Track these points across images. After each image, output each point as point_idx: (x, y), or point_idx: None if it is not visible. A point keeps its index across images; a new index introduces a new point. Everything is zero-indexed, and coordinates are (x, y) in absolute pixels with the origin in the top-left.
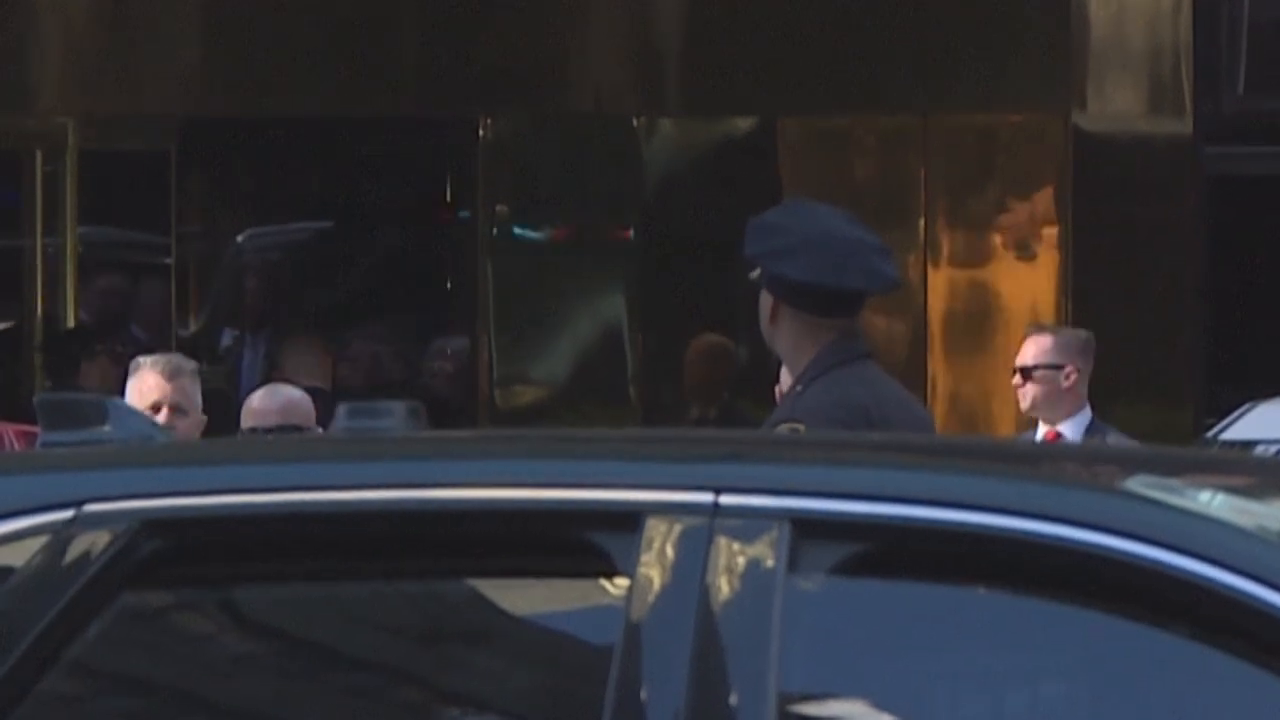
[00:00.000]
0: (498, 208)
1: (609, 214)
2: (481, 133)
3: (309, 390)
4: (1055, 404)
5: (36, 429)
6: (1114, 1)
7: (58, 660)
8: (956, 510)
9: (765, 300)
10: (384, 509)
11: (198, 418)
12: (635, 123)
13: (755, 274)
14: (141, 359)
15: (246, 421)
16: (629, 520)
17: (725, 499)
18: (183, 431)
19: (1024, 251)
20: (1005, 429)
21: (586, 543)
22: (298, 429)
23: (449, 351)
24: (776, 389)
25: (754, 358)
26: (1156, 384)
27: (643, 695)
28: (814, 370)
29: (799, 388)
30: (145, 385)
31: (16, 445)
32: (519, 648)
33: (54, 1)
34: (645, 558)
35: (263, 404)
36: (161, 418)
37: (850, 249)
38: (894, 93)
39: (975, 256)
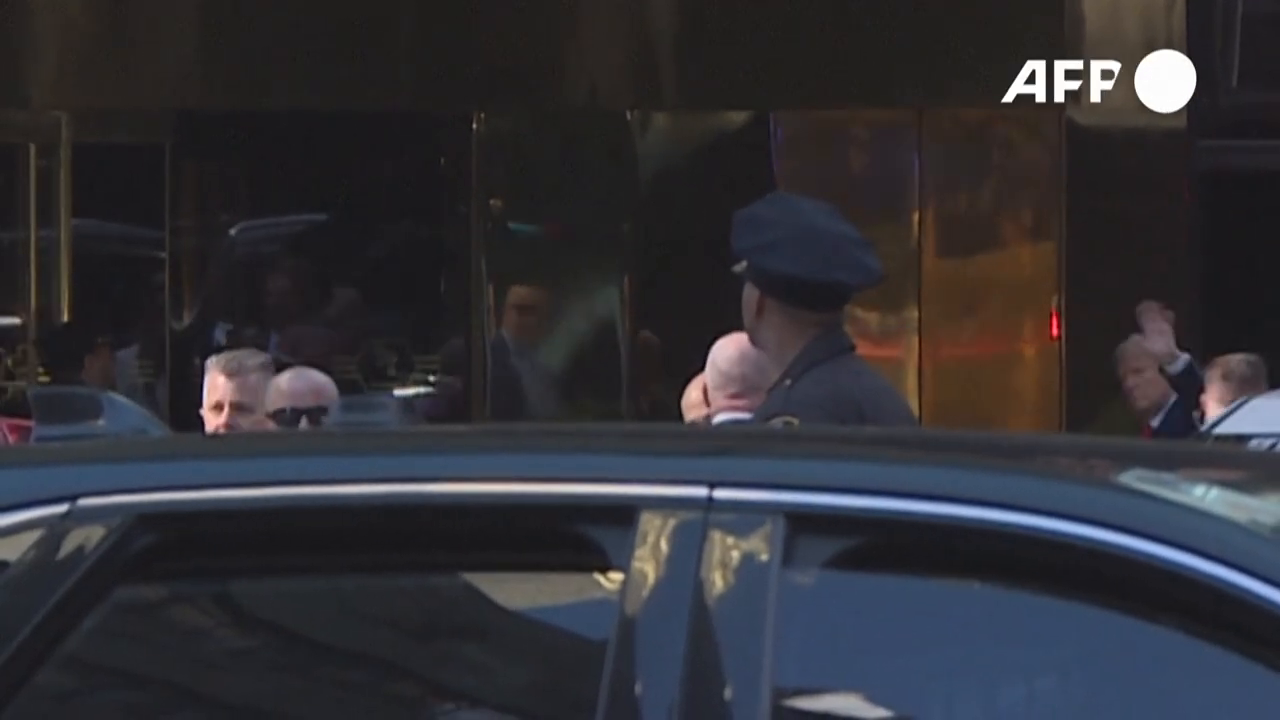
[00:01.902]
0: (492, 202)
1: (603, 208)
2: (476, 127)
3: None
4: None
5: (30, 423)
6: None
7: (52, 655)
8: (951, 504)
9: (750, 294)
10: (378, 503)
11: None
12: (630, 117)
13: (739, 267)
14: (212, 359)
15: (277, 402)
16: (623, 514)
17: (719, 493)
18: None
19: (1018, 244)
20: (999, 422)
21: (580, 537)
22: (324, 411)
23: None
24: None
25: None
26: None
27: (637, 690)
28: (802, 364)
29: (787, 382)
30: (211, 384)
31: (10, 439)
32: (513, 642)
33: None
34: (639, 552)
35: (293, 385)
36: (224, 416)
37: (836, 243)
38: (889, 86)
39: (969, 250)
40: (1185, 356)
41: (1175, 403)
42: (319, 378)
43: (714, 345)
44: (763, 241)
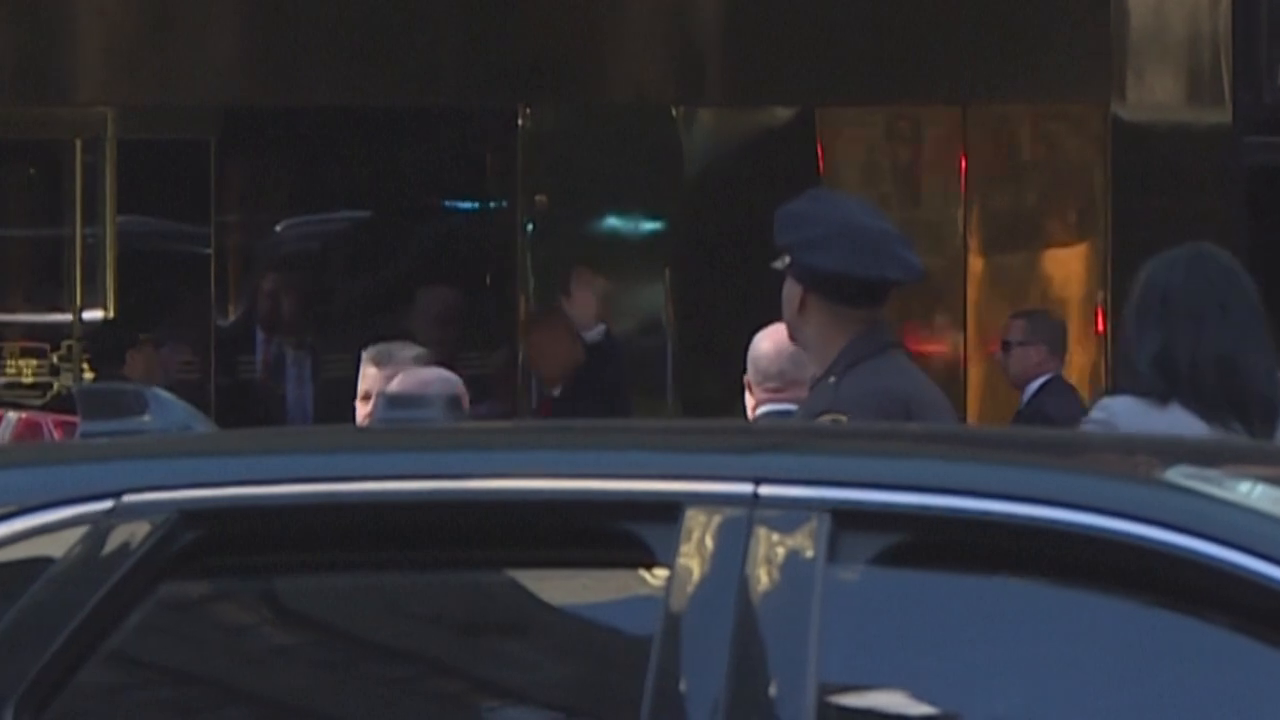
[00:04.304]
0: (537, 198)
1: (648, 204)
2: (521, 123)
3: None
4: None
5: (75, 419)
6: None
7: (97, 650)
8: (996, 501)
9: (792, 290)
10: (423, 500)
11: None
12: (674, 113)
13: (778, 263)
14: (366, 349)
15: None
16: (669, 511)
17: (765, 489)
18: None
19: (1062, 241)
20: None
21: (626, 533)
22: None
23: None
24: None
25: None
26: None
27: (682, 686)
28: (846, 360)
29: (832, 379)
30: (362, 374)
31: (56, 435)
32: (558, 638)
33: None
34: (685, 548)
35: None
36: (372, 405)
37: (879, 239)
38: (934, 82)
39: (1014, 246)
40: (602, 326)
41: (586, 371)
42: (426, 374)
43: (752, 340)
44: (807, 237)
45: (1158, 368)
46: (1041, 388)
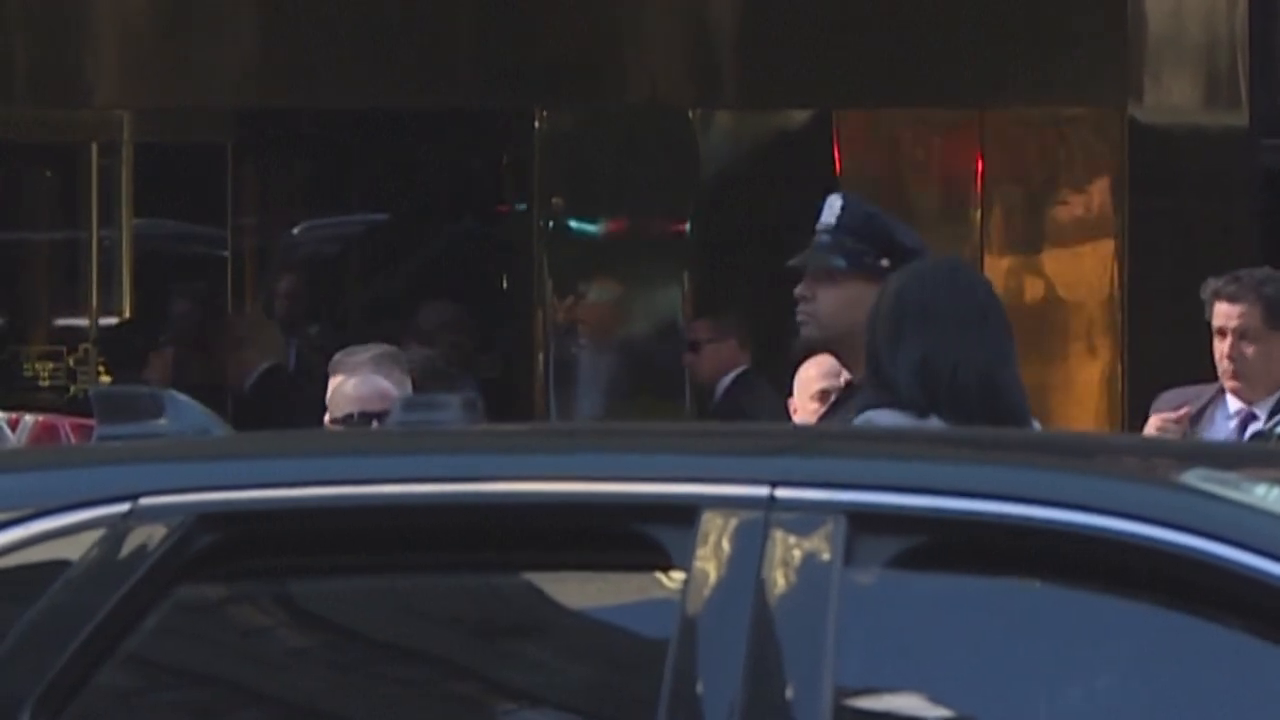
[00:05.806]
0: (553, 200)
1: (665, 206)
2: (537, 125)
3: None
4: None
5: (92, 422)
6: None
7: (114, 653)
8: (1012, 504)
9: (848, 291)
10: (439, 502)
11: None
12: (691, 115)
13: (794, 261)
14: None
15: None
16: (685, 514)
17: (781, 492)
18: None
19: (1079, 244)
20: (1060, 421)
21: (642, 536)
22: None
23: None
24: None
25: None
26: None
27: (698, 689)
28: None
29: None
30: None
31: (73, 438)
32: (575, 641)
33: None
34: (701, 551)
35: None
36: (331, 414)
37: None
38: (951, 85)
39: (1031, 249)
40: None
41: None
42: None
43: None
44: (914, 241)
45: (919, 380)
46: (734, 383)
